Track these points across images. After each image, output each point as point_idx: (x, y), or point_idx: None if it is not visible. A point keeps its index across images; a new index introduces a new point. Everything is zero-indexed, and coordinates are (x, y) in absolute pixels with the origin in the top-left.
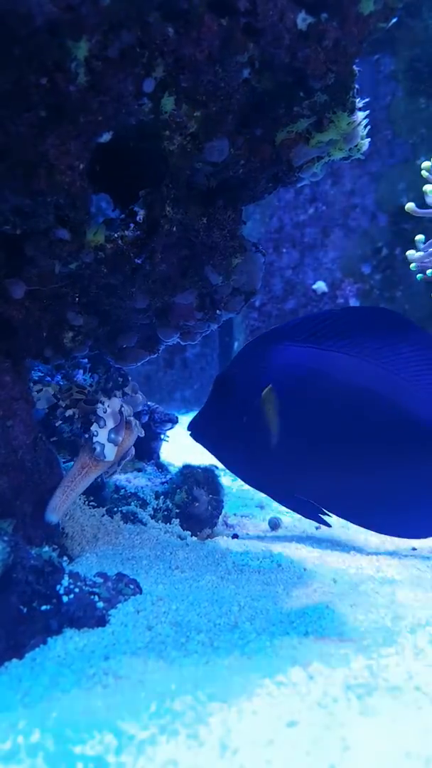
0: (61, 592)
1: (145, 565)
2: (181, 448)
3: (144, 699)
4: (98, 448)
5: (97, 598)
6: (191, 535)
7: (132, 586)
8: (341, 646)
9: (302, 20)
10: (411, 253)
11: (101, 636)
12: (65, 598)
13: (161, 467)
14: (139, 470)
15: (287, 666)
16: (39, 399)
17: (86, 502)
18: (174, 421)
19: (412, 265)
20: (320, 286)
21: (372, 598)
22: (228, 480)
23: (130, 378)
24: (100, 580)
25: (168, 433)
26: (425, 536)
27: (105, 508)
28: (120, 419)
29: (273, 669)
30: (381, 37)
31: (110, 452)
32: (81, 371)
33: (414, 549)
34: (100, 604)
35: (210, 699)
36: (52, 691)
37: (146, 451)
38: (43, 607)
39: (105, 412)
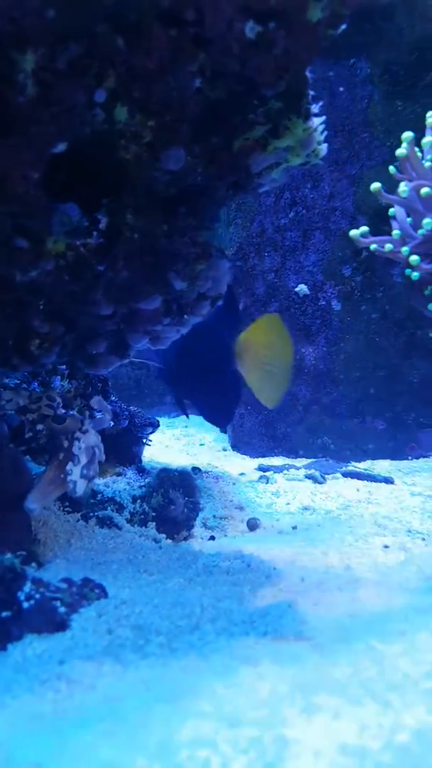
0: (22, 598)
1: (115, 569)
2: (166, 451)
3: (92, 703)
4: (71, 486)
5: (59, 603)
6: (166, 538)
7: (97, 591)
8: (296, 645)
9: (250, 29)
10: (355, 233)
11: (61, 641)
12: (26, 605)
13: (142, 471)
14: (120, 474)
15: (239, 666)
16: (6, 408)
17: (61, 508)
18: (155, 425)
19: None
20: (302, 288)
21: (334, 596)
22: (210, 482)
23: (109, 383)
24: (64, 585)
25: (152, 437)
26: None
27: (80, 513)
28: (93, 453)
29: (225, 669)
30: (356, 41)
31: (81, 488)
32: (58, 378)
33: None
34: (62, 609)
35: (157, 701)
36: (3, 696)
37: (127, 455)
38: (3, 614)
39: (80, 449)
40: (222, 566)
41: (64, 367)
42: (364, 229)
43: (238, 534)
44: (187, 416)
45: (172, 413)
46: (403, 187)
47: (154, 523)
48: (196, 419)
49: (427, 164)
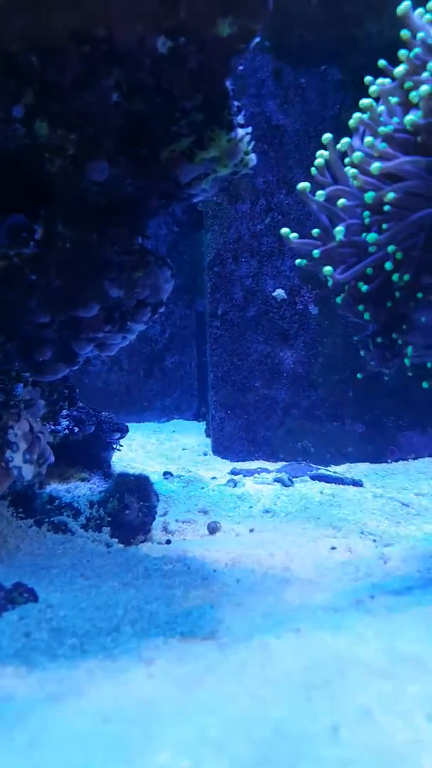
0: None
1: (55, 573)
2: (146, 455)
3: None
4: (16, 472)
5: None
6: (119, 542)
7: (26, 595)
8: (202, 645)
9: (162, 44)
10: (286, 231)
11: None
12: None
13: (109, 476)
14: (85, 480)
15: (135, 666)
16: None
17: (14, 514)
18: (123, 430)
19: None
20: (279, 293)
21: (261, 597)
22: (176, 485)
23: (76, 390)
24: None
25: (133, 442)
26: None
27: (34, 519)
28: (32, 438)
29: (122, 669)
30: (327, 48)
31: (28, 472)
32: (21, 385)
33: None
34: None
35: (46, 701)
36: None
37: (95, 460)
38: None
39: (16, 436)
40: (163, 569)
41: (28, 374)
42: (286, 230)
43: (197, 538)
44: None
45: (162, 418)
46: (319, 192)
47: (108, 528)
48: (185, 424)
49: (349, 170)
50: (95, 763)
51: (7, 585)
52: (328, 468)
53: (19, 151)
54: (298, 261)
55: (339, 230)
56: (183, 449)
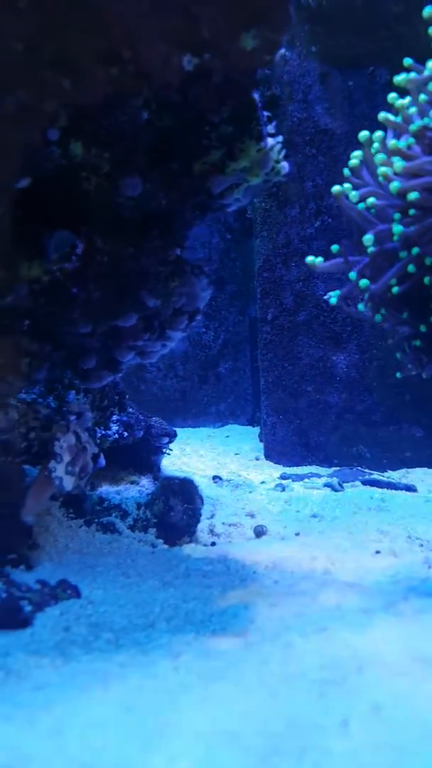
0: None
1: (99, 572)
2: (200, 459)
3: (17, 690)
4: (57, 482)
5: (27, 602)
6: (164, 543)
7: (69, 591)
8: (229, 641)
9: (188, 62)
10: (311, 260)
11: (20, 636)
12: None
13: (158, 480)
14: (134, 483)
15: (163, 659)
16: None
17: (66, 515)
18: (171, 435)
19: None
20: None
21: (296, 598)
22: (224, 489)
23: (126, 396)
24: (37, 586)
25: (187, 447)
26: None
27: (84, 520)
28: (76, 451)
29: (150, 663)
30: (374, 48)
31: (68, 483)
32: (73, 392)
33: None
34: (28, 608)
35: (74, 689)
36: None
37: (145, 464)
38: None
39: (61, 448)
40: (203, 570)
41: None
42: (310, 259)
43: (243, 541)
44: None
45: (216, 423)
46: (353, 193)
47: (154, 530)
48: (239, 429)
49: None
50: (111, 748)
51: (53, 582)
52: (384, 473)
53: (57, 171)
54: (330, 298)
55: (368, 238)
56: (236, 454)
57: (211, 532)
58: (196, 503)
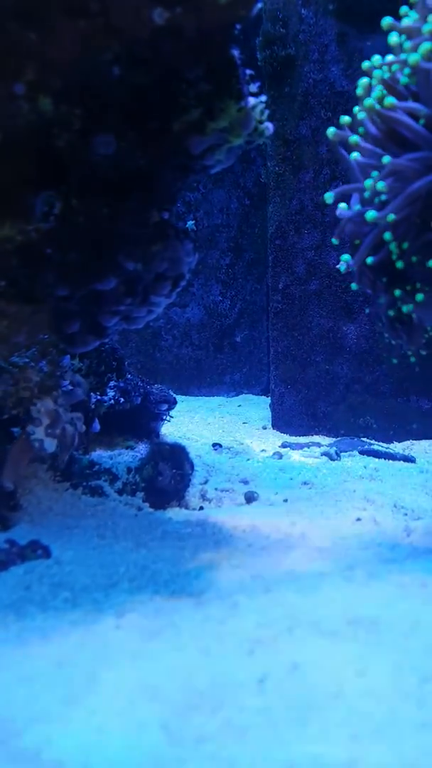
0: None
1: (76, 533)
2: (207, 427)
3: None
4: (37, 444)
5: None
6: (150, 507)
7: (39, 551)
8: (182, 602)
9: (159, 15)
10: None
11: None
12: None
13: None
14: (130, 448)
15: (108, 618)
16: None
17: (53, 478)
18: (171, 401)
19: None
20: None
21: (262, 560)
22: (223, 456)
23: (125, 362)
24: (5, 545)
25: (196, 414)
26: None
27: (71, 483)
28: (57, 415)
29: (97, 620)
30: (395, 8)
31: (50, 444)
32: (68, 357)
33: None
34: None
35: (15, 646)
36: None
37: (143, 430)
38: None
39: (39, 412)
40: (180, 532)
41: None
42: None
43: (233, 506)
44: None
45: (231, 393)
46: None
47: (142, 494)
48: (253, 399)
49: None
50: (34, 702)
51: (24, 542)
52: (390, 445)
53: (28, 127)
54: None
55: (349, 206)
56: (243, 423)
57: (203, 497)
58: (185, 468)
